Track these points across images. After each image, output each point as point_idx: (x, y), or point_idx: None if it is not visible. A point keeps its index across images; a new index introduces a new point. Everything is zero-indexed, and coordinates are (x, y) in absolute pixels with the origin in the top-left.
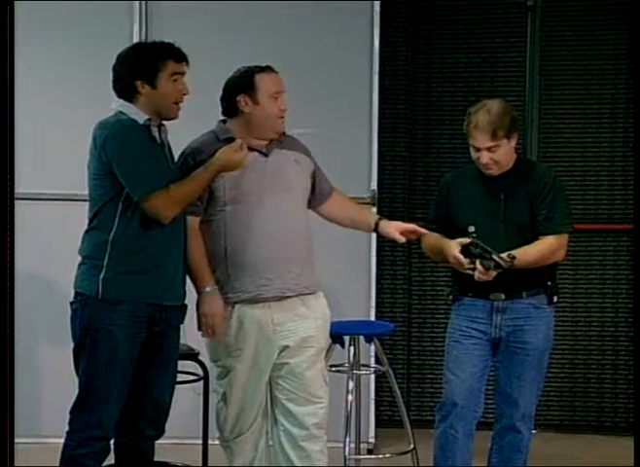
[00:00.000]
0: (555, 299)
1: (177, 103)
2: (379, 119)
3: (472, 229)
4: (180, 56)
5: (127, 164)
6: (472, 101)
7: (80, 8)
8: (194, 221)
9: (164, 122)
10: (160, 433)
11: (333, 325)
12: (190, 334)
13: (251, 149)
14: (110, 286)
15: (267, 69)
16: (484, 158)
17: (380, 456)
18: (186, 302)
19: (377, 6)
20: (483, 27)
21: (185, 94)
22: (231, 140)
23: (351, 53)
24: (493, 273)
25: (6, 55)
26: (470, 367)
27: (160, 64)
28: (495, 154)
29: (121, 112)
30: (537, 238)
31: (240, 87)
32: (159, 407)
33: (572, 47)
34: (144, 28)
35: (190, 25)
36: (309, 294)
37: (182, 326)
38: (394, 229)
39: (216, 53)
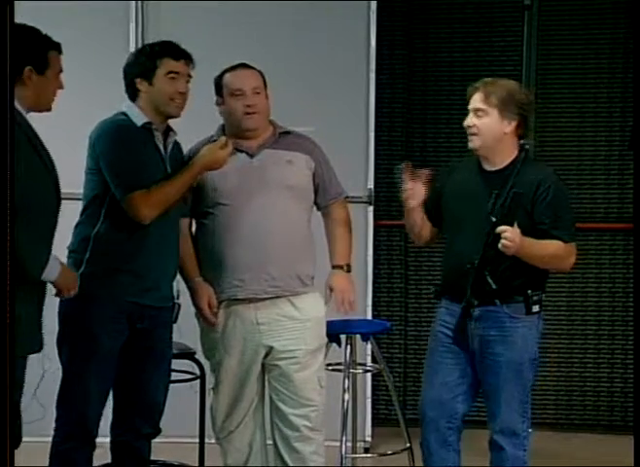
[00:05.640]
0: (536, 308)
1: (174, 100)
2: (376, 117)
3: None
4: (178, 54)
5: (113, 163)
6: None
7: (77, 8)
8: (182, 222)
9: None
10: (157, 431)
11: (329, 324)
12: (186, 332)
13: (239, 150)
14: (87, 281)
15: (238, 67)
16: (469, 119)
17: (377, 455)
18: (180, 300)
19: (374, 5)
20: (480, 26)
21: (181, 93)
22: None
23: (348, 51)
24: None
25: (6, 55)
26: (441, 377)
27: (158, 61)
28: (480, 120)
29: (123, 113)
30: None
31: (215, 88)
32: (152, 405)
33: (569, 46)
34: (141, 28)
35: (187, 25)
36: (300, 294)
37: (178, 325)
38: (331, 285)
39: (213, 53)
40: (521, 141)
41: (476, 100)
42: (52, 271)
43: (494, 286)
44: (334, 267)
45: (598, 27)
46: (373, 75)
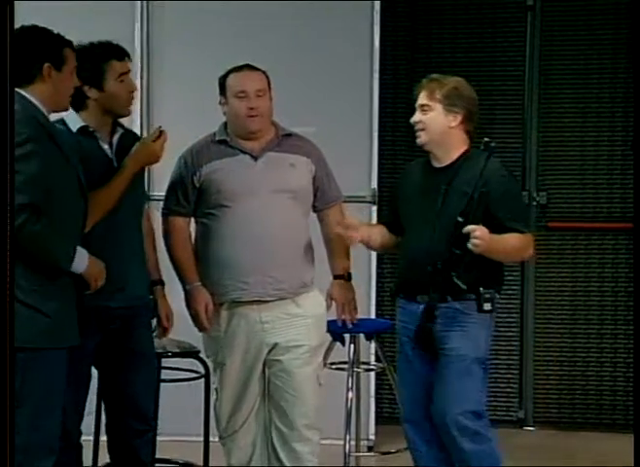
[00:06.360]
0: (488, 306)
1: (129, 101)
2: (380, 117)
3: None
4: (121, 54)
5: None
6: None
7: (82, 8)
8: (181, 221)
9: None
10: (151, 428)
11: (333, 323)
12: (188, 331)
13: (242, 152)
14: None
15: (243, 68)
16: (416, 116)
17: (380, 454)
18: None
19: (377, 5)
20: (483, 26)
21: (132, 92)
22: (222, 142)
23: (351, 51)
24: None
25: (6, 55)
26: (412, 376)
27: (104, 66)
28: (426, 116)
29: (61, 119)
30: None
31: (219, 87)
32: (142, 403)
33: (571, 46)
34: (146, 28)
35: (191, 26)
36: (302, 294)
37: (176, 325)
38: (332, 295)
39: (217, 52)
40: (485, 139)
41: (421, 97)
42: (80, 263)
43: (464, 287)
44: (335, 277)
45: (601, 28)
46: (376, 75)
